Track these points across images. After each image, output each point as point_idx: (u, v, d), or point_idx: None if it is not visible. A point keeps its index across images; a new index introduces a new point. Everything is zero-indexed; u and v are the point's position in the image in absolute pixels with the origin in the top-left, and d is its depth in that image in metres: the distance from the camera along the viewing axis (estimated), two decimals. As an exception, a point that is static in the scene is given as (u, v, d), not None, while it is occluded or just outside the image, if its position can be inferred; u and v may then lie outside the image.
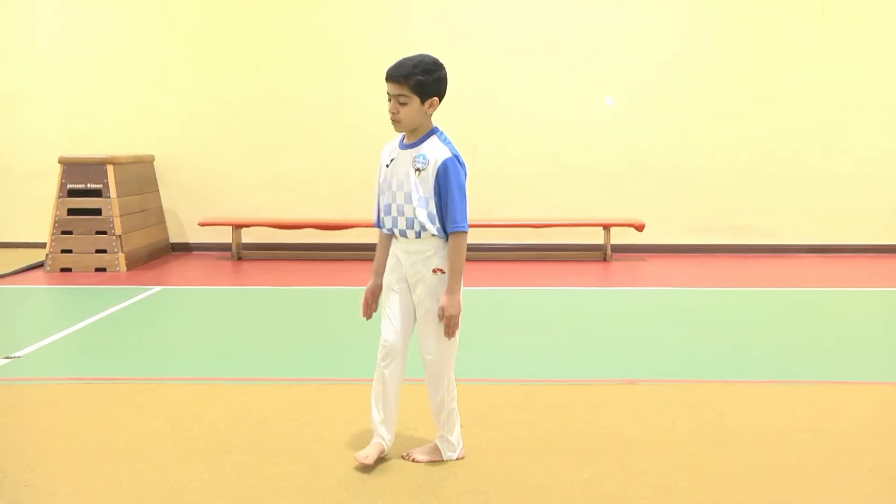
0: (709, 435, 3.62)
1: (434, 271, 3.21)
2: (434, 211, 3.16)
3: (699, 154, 9.24)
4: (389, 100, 3.17)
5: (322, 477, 3.17)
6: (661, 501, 2.96)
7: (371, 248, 9.55)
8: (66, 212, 8.17)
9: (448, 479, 3.15)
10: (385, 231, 3.32)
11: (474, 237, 9.22)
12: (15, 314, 6.49)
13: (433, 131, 3.23)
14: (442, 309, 3.18)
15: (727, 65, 9.15)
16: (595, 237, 9.06)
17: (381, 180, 3.28)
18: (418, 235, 3.20)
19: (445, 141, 3.23)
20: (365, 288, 3.39)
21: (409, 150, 3.21)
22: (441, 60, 3.19)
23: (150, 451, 3.43)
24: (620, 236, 9.13)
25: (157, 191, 9.33)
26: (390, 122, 3.19)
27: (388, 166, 3.25)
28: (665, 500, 2.97)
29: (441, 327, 3.21)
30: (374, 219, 3.36)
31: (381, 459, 3.31)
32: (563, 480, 3.14)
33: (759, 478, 3.17)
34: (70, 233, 8.14)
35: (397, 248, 3.28)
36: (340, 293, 7.11)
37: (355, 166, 9.21)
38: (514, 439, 3.56)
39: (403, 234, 3.23)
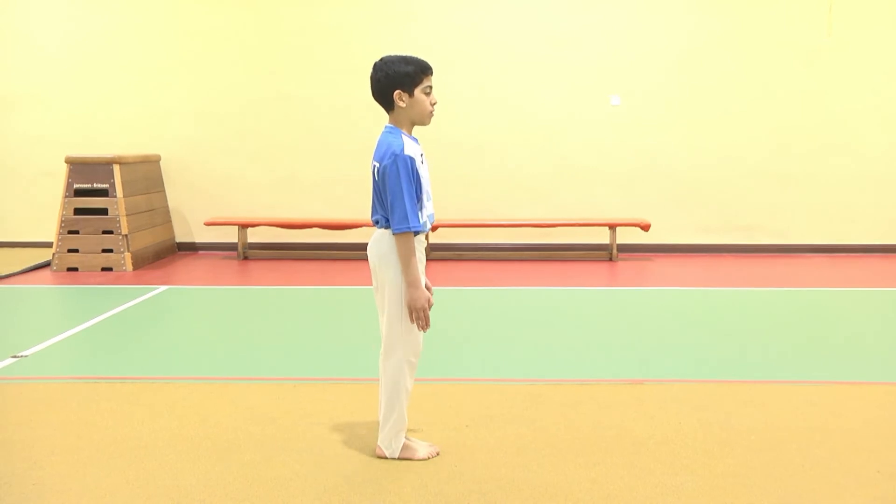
0: (716, 435, 3.62)
1: None
2: None
3: (706, 154, 9.23)
4: (430, 92, 3.28)
5: (329, 476, 3.18)
6: (668, 502, 2.97)
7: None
8: (72, 211, 8.20)
9: (454, 480, 3.15)
10: (427, 227, 3.28)
11: (481, 237, 9.24)
12: (22, 314, 6.51)
13: None
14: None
15: (735, 64, 9.14)
16: (601, 237, 9.06)
17: (423, 178, 3.25)
18: None
19: None
20: (425, 298, 3.20)
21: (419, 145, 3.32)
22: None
23: (157, 450, 3.44)
24: (626, 236, 9.13)
25: (164, 190, 9.36)
26: (430, 116, 3.29)
27: (423, 164, 3.27)
28: (672, 501, 2.97)
29: None
30: (418, 223, 3.18)
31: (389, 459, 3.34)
32: (570, 480, 3.14)
33: (767, 478, 3.17)
34: (77, 232, 8.17)
35: (420, 244, 3.31)
36: (347, 293, 7.12)
37: (362, 166, 9.20)
38: (520, 439, 3.56)
39: None
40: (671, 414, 3.89)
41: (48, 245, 8.83)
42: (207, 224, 8.92)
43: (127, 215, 8.23)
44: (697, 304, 6.70)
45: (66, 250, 8.14)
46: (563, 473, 3.20)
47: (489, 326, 5.74)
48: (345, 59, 9.19)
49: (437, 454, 3.37)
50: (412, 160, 3.18)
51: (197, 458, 3.36)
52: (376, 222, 3.30)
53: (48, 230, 8.93)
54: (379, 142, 3.27)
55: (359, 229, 8.91)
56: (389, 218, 3.18)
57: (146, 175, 8.90)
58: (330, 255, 9.11)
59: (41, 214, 9.27)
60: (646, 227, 8.68)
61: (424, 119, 3.29)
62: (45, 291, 7.34)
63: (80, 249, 8.15)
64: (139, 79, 9.36)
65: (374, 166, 3.25)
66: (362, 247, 10.10)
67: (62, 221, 8.18)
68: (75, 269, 8.11)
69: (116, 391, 4.26)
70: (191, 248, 9.55)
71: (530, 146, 9.27)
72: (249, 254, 9.13)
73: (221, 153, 9.39)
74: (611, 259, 8.85)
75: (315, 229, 9.04)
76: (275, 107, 9.33)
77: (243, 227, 9.00)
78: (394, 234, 3.17)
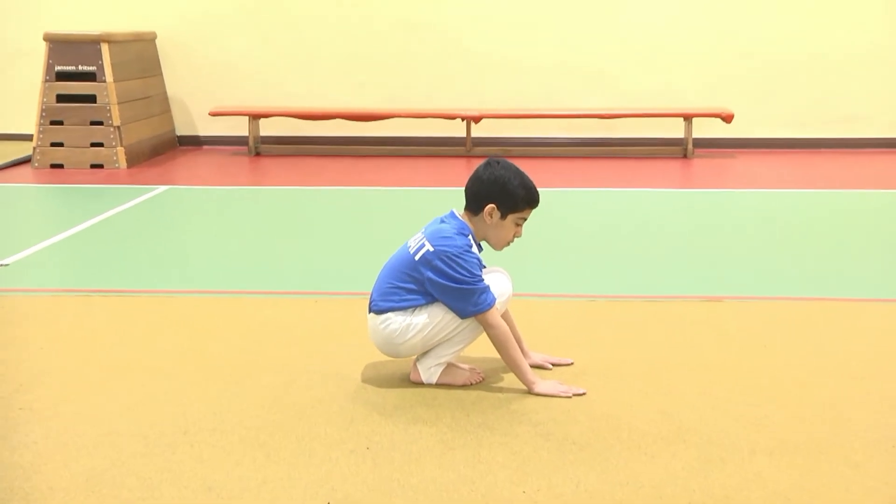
0: (808, 360, 3.61)
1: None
2: None
3: (802, 32, 9.01)
4: (521, 224, 3.37)
5: (357, 403, 3.21)
6: (749, 437, 2.95)
7: (409, 141, 9.39)
8: (54, 98, 8.22)
9: (500, 409, 3.17)
10: None
11: (532, 130, 9.16)
12: (1, 216, 6.60)
13: None
14: None
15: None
16: (675, 130, 8.95)
17: None
18: None
19: None
20: (552, 384, 3.33)
21: None
22: None
23: (161, 372, 3.50)
24: (705, 128, 9.01)
25: (161, 74, 9.35)
26: (505, 246, 3.40)
27: None
28: (754, 436, 2.96)
29: None
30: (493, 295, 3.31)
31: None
32: (635, 411, 3.15)
33: (868, 411, 3.15)
34: (60, 123, 8.20)
35: None
36: (374, 194, 7.13)
37: (393, 46, 9.12)
38: (577, 364, 3.58)
39: None
40: (754, 336, 3.88)
41: (28, 138, 8.88)
42: (213, 114, 8.93)
43: (119, 104, 8.23)
44: (788, 209, 6.63)
45: (48, 144, 8.20)
46: (626, 404, 3.21)
47: (541, 234, 5.71)
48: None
49: (483, 380, 3.40)
50: (479, 261, 3.29)
51: (207, 382, 3.41)
52: (377, 308, 3.36)
53: (27, 120, 8.94)
54: (441, 228, 3.30)
55: (388, 121, 8.85)
56: (457, 306, 3.24)
57: (140, 56, 8.88)
58: (355, 151, 9.10)
59: (18, 102, 9.29)
60: (728, 118, 8.55)
61: (498, 246, 3.39)
62: (26, 191, 7.43)
63: (64, 143, 8.20)
64: (129, -59, 9.27)
65: (423, 246, 3.26)
66: (391, 141, 10.11)
67: (43, 110, 8.21)
68: (60, 166, 8.17)
69: (112, 305, 4.33)
70: (194, 142, 9.58)
71: (590, 23, 9.10)
72: (262, 149, 9.15)
73: (228, 30, 9.32)
74: (685, 156, 8.77)
75: (338, 120, 9.00)
76: (289, -25, 9.22)
77: (255, 117, 9.00)
78: (478, 315, 3.24)
